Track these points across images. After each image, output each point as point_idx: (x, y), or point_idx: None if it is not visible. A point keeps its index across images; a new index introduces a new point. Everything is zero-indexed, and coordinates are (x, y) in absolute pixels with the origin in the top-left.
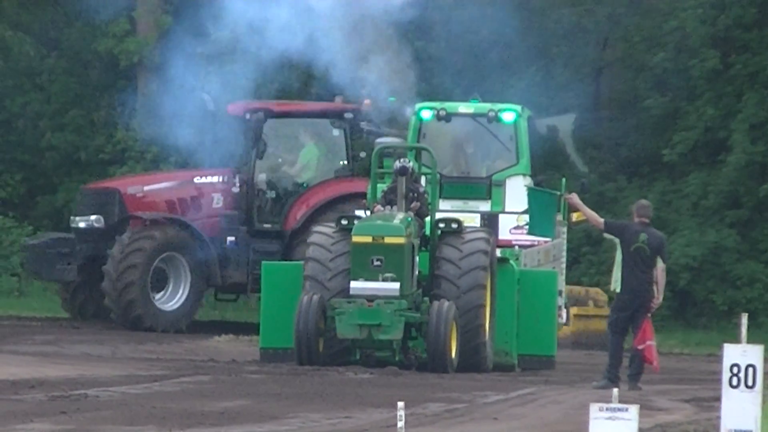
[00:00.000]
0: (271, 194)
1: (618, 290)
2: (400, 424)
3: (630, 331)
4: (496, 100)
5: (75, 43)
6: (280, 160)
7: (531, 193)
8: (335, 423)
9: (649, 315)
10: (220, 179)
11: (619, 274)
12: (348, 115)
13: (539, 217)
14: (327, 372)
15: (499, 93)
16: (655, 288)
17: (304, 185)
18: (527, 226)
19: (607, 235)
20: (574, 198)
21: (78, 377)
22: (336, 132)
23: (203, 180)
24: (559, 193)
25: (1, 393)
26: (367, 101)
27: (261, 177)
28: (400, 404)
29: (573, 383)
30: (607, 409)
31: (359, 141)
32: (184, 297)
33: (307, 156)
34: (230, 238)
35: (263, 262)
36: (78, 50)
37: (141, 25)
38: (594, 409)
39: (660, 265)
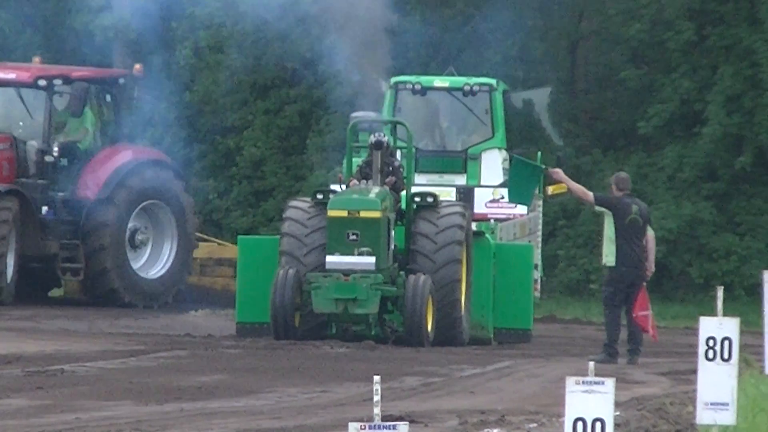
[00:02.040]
0: (64, 161)
1: (611, 264)
2: (377, 398)
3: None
4: (471, 73)
5: (50, 18)
6: (66, 127)
7: (516, 162)
8: (312, 397)
9: (645, 284)
10: (3, 146)
11: (612, 248)
12: (121, 81)
13: (519, 186)
14: (304, 346)
15: (474, 66)
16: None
17: (86, 152)
18: (507, 194)
19: (598, 209)
20: (560, 173)
21: (55, 352)
22: (108, 97)
23: None
24: (543, 166)
25: None
26: (137, 66)
27: (54, 144)
28: (376, 378)
29: (550, 356)
30: (583, 382)
31: (129, 107)
32: (11, 269)
33: (87, 122)
34: (45, 208)
35: (239, 237)
36: (53, 25)
37: (116, 0)
38: (570, 382)
39: (650, 233)
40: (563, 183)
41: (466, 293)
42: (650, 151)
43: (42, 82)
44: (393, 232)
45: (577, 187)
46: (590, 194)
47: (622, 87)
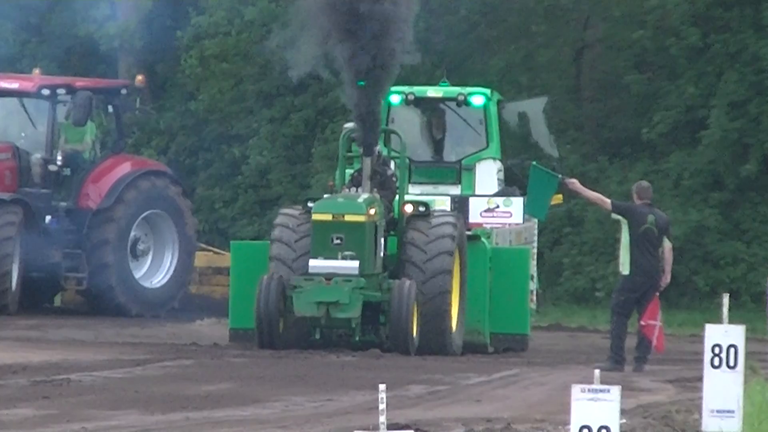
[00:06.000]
0: (66, 171)
1: (626, 272)
2: (382, 406)
3: (636, 312)
4: (475, 81)
5: (56, 28)
6: (68, 136)
7: (534, 170)
8: (318, 406)
9: (658, 294)
10: (6, 156)
11: (628, 257)
12: (123, 91)
13: (536, 196)
14: (309, 355)
15: (478, 74)
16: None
17: (88, 162)
18: (524, 205)
19: (614, 216)
20: (576, 184)
21: (60, 362)
22: (110, 108)
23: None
24: (560, 176)
25: None
26: (139, 77)
27: (57, 154)
28: (382, 387)
29: (555, 364)
30: (589, 390)
31: (131, 117)
32: (15, 278)
33: (89, 132)
34: (48, 217)
35: (231, 242)
36: (59, 35)
37: (122, 9)
38: (576, 390)
39: (667, 244)
40: (579, 193)
41: (459, 304)
42: (656, 158)
43: (45, 92)
44: (382, 240)
45: (595, 196)
46: (608, 201)
47: (627, 94)
